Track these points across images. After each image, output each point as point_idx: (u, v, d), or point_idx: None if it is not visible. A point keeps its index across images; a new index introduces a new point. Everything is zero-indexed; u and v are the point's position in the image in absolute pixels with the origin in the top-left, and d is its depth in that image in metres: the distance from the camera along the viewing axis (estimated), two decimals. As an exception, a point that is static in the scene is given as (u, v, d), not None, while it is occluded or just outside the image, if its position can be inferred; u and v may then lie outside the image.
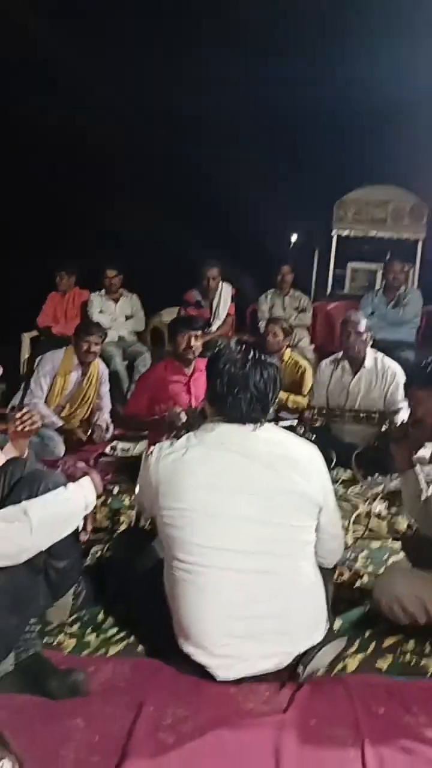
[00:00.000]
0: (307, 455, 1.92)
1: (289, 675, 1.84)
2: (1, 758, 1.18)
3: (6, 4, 5.19)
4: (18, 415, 2.59)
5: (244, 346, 1.94)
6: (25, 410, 2.61)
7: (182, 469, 1.83)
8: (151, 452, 1.95)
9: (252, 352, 1.90)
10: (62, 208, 7.22)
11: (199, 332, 3.97)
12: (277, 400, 1.99)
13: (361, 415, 3.68)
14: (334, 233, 7.02)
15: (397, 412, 3.60)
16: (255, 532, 1.79)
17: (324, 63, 5.53)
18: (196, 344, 3.93)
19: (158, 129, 6.89)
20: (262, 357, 1.90)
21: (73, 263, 6.09)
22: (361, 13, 5.39)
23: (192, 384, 4.00)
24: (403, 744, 1.60)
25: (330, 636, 1.95)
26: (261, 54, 5.69)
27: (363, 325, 3.98)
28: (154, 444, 2.03)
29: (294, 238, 7.84)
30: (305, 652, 1.84)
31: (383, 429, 3.67)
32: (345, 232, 7.01)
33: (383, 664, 2.01)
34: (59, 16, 5.60)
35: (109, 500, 3.19)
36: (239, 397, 1.85)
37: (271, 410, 1.94)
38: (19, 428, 2.58)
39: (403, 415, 3.30)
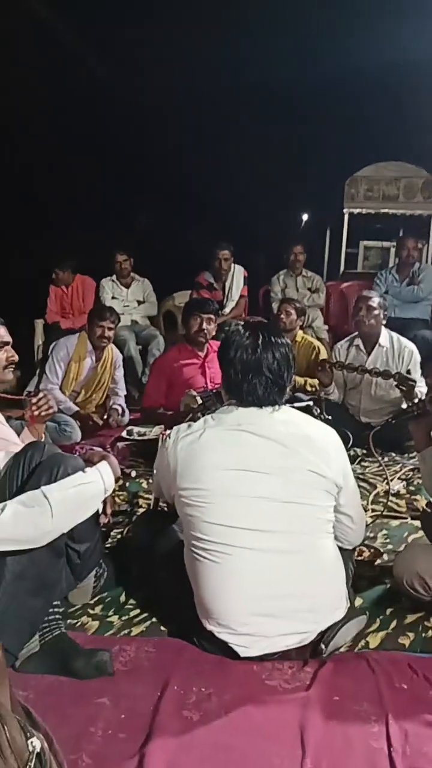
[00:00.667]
0: (325, 436, 1.91)
1: (311, 652, 1.85)
2: (30, 737, 1.20)
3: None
4: (34, 400, 2.60)
5: (252, 330, 1.91)
6: (41, 395, 2.63)
7: (200, 450, 1.83)
8: (169, 435, 1.95)
9: (261, 335, 1.88)
10: (72, 192, 7.20)
11: (212, 316, 3.95)
12: (293, 380, 1.97)
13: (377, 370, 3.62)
14: (346, 211, 6.95)
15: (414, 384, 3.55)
16: (274, 511, 1.79)
17: (334, 39, 5.45)
18: (209, 327, 3.92)
19: (166, 110, 6.84)
20: (272, 338, 1.88)
21: (67, 259, 5.94)
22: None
23: (207, 366, 4.00)
24: (427, 718, 1.62)
25: (351, 613, 1.95)
26: (269, 31, 5.60)
27: (377, 302, 3.95)
28: (170, 427, 2.03)
29: (305, 217, 7.79)
30: (327, 629, 1.84)
31: (400, 408, 3.65)
32: (357, 210, 6.94)
33: (405, 641, 2.01)
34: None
35: (127, 484, 3.22)
36: (254, 382, 1.84)
37: (288, 390, 1.93)
38: (36, 413, 2.60)
39: (421, 392, 3.28)
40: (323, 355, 4.78)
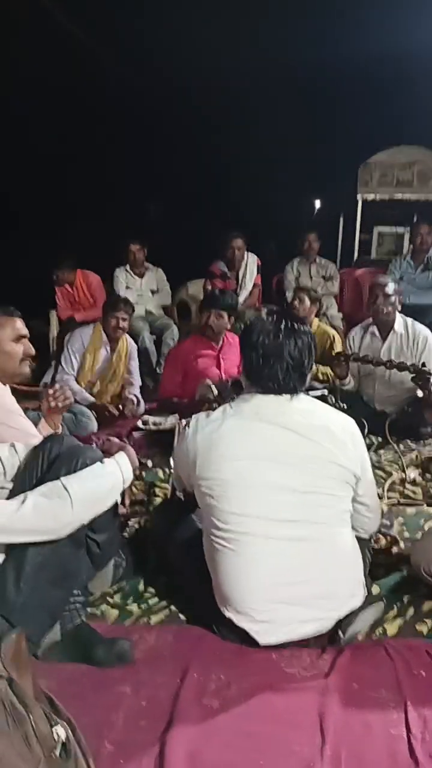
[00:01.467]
0: (343, 425, 1.92)
1: (329, 639, 1.87)
2: (55, 725, 1.22)
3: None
4: (50, 391, 2.62)
5: (276, 316, 1.92)
6: (57, 387, 2.65)
7: (219, 440, 1.84)
8: (187, 425, 1.96)
9: (285, 321, 1.89)
10: (84, 184, 7.19)
11: (222, 311, 3.94)
12: (313, 370, 1.97)
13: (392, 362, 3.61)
14: (360, 197, 6.91)
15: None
16: (293, 500, 1.81)
17: (347, 22, 5.38)
18: (216, 322, 3.91)
19: (176, 97, 6.80)
20: (296, 325, 1.89)
21: (65, 259, 5.86)
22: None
23: (221, 357, 4.00)
24: (446, 705, 1.62)
25: (369, 600, 1.97)
26: (280, 15, 5.53)
27: (391, 287, 3.93)
28: (186, 417, 2.04)
29: (318, 204, 7.74)
30: (345, 617, 1.86)
31: (416, 395, 3.63)
32: (370, 196, 6.90)
33: (423, 628, 2.01)
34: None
35: (144, 474, 3.23)
36: (275, 368, 1.85)
37: (309, 379, 1.93)
38: (53, 405, 2.62)
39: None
40: (338, 343, 4.77)
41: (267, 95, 6.55)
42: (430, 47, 5.38)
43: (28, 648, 1.38)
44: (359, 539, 1.99)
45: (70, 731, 1.28)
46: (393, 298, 3.91)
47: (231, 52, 5.87)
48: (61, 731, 1.23)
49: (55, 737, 1.20)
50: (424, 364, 3.46)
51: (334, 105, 6.70)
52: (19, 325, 2.46)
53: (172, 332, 5.63)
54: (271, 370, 1.85)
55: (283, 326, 1.87)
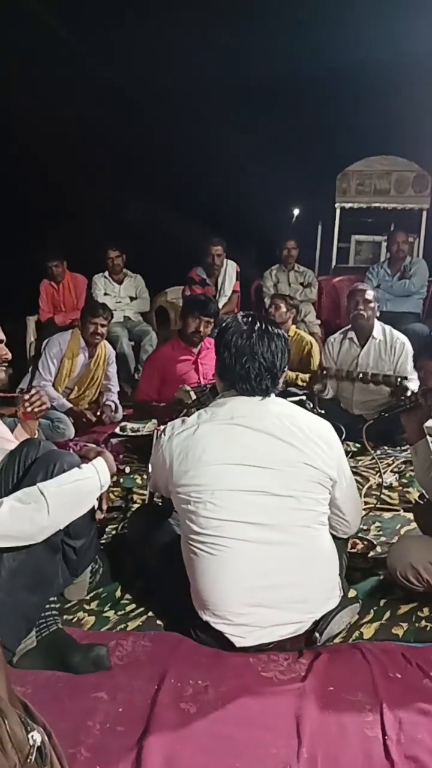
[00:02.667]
0: (319, 429, 1.93)
1: (306, 642, 1.88)
2: (31, 730, 1.21)
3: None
4: (26, 396, 2.60)
5: (251, 318, 1.93)
6: (33, 392, 2.63)
7: (195, 445, 1.85)
8: (163, 431, 1.96)
9: (259, 323, 1.90)
10: (61, 189, 7.17)
11: (211, 319, 3.96)
12: (285, 372, 1.99)
13: (369, 377, 3.66)
14: (338, 206, 6.97)
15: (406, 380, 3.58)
16: (269, 503, 1.81)
17: (325, 34, 5.44)
18: (206, 330, 3.94)
19: (156, 105, 6.81)
20: (269, 327, 1.90)
21: (60, 251, 5.93)
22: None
23: (200, 362, 4.01)
24: (421, 707, 1.64)
25: (344, 602, 1.98)
26: (260, 25, 5.58)
27: (371, 294, 3.98)
28: (164, 423, 2.04)
29: (297, 212, 7.79)
30: (321, 619, 1.87)
31: (393, 400, 3.67)
32: (348, 205, 6.96)
33: (399, 631, 2.03)
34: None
35: (122, 480, 3.22)
36: (247, 367, 1.86)
37: (281, 381, 1.94)
38: (29, 410, 2.59)
39: (413, 386, 3.30)
40: (315, 350, 4.80)
41: (247, 104, 6.59)
42: (409, 57, 5.45)
43: (3, 654, 1.37)
44: (336, 540, 2.00)
45: (45, 737, 1.27)
46: (373, 305, 3.96)
47: (211, 62, 5.92)
48: (36, 737, 1.21)
49: (31, 743, 1.18)
50: (405, 378, 3.51)
51: (313, 114, 6.76)
52: (-5, 330, 2.44)
53: (150, 338, 5.63)
54: (243, 369, 1.86)
55: (257, 327, 1.89)
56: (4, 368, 2.47)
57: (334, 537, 1.99)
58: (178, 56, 5.94)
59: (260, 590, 1.80)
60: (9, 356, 2.48)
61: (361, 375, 3.75)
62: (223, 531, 1.80)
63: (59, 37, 5.82)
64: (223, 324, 1.96)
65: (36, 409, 2.57)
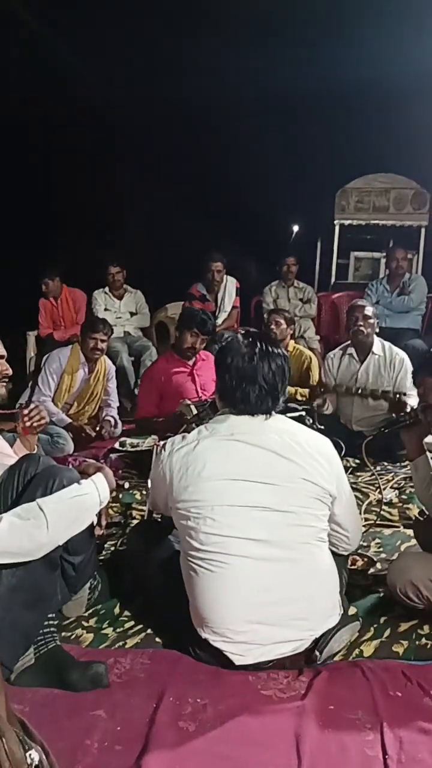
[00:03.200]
0: (318, 445, 1.93)
1: (305, 660, 1.86)
2: (29, 749, 1.20)
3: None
4: (26, 411, 2.60)
5: (251, 339, 1.93)
6: (32, 406, 2.63)
7: (194, 461, 1.84)
8: (163, 446, 1.96)
9: (259, 344, 1.90)
10: (62, 203, 7.21)
11: (206, 337, 4.00)
12: (286, 392, 1.99)
13: (369, 391, 3.66)
14: (337, 223, 7.02)
15: (404, 396, 3.59)
16: (270, 520, 1.81)
17: (325, 51, 5.49)
18: (200, 347, 3.98)
19: (157, 120, 6.88)
20: (270, 348, 1.90)
21: (54, 268, 5.94)
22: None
23: (196, 373, 4.04)
24: (422, 725, 1.62)
25: (345, 620, 1.97)
26: (261, 41, 5.65)
27: (370, 310, 3.99)
28: (164, 438, 2.04)
29: (296, 228, 7.84)
30: (321, 636, 1.86)
31: (392, 416, 3.67)
32: (347, 221, 7.01)
33: (399, 648, 2.02)
34: (57, 7, 5.58)
35: (121, 495, 3.21)
36: (248, 391, 1.86)
37: (281, 401, 1.94)
38: (28, 424, 2.60)
39: (413, 402, 3.30)
40: (314, 365, 4.81)
41: (247, 121, 6.65)
42: (409, 75, 5.51)
43: (1, 671, 1.36)
44: (336, 557, 1.99)
45: (43, 755, 1.26)
46: (373, 321, 3.98)
47: (213, 79, 5.97)
48: (34, 755, 1.20)
49: (29, 761, 1.17)
50: (404, 394, 3.51)
51: (312, 131, 6.82)
52: (-4, 346, 2.46)
53: (150, 354, 5.64)
54: (244, 392, 1.87)
55: (257, 349, 1.88)
56: (4, 383, 2.49)
57: (333, 554, 1.98)
58: (177, 73, 6.00)
59: (260, 607, 1.79)
60: (10, 372, 2.49)
61: (360, 390, 3.76)
62: (223, 547, 1.79)
63: (57, 48, 5.88)
64: (223, 344, 1.97)
65: (35, 424, 2.57)
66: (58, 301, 5.91)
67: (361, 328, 3.96)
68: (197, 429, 1.95)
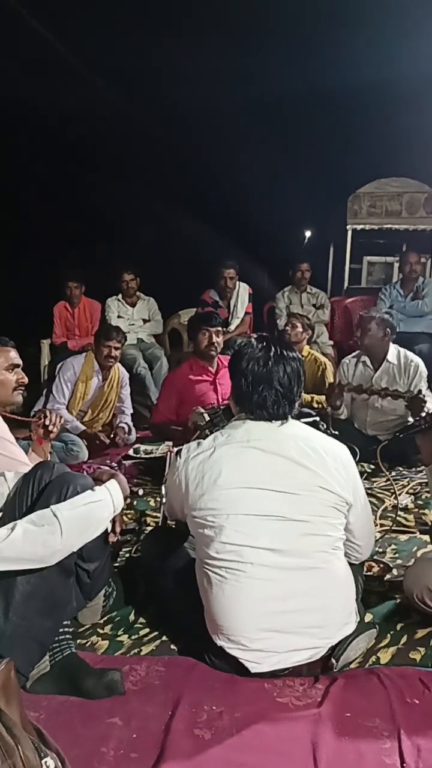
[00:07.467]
0: (335, 452, 1.92)
1: (322, 667, 1.85)
2: (44, 756, 1.20)
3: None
4: (44, 415, 2.63)
5: (265, 342, 1.93)
6: (47, 411, 2.66)
7: (210, 469, 1.84)
8: (178, 453, 1.96)
9: (274, 348, 1.90)
10: (74, 212, 7.26)
11: (219, 328, 3.98)
12: (301, 396, 1.98)
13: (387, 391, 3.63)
14: (349, 227, 7.00)
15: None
16: (285, 529, 1.80)
17: (336, 55, 5.49)
18: (218, 340, 3.95)
19: (167, 127, 6.91)
20: (285, 352, 1.90)
21: (79, 272, 6.00)
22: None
23: (218, 382, 4.01)
24: (440, 734, 1.60)
25: (361, 627, 1.95)
26: (270, 45, 5.65)
27: (374, 324, 3.96)
28: (178, 445, 2.04)
29: (309, 234, 7.83)
30: (337, 644, 1.84)
31: (407, 420, 3.65)
32: (360, 226, 6.99)
33: (416, 655, 2.00)
34: (58, 9, 5.60)
35: (135, 502, 3.21)
36: (264, 395, 1.86)
37: (297, 405, 1.94)
38: (41, 432, 2.62)
39: (429, 407, 3.28)
40: (329, 371, 4.80)
41: (258, 127, 6.66)
42: (418, 78, 5.49)
43: (17, 678, 1.36)
44: (351, 565, 1.98)
45: (59, 763, 1.26)
46: (381, 334, 3.93)
47: (221, 83, 5.98)
48: (50, 763, 1.21)
49: (44, 769, 1.18)
50: (419, 391, 3.48)
51: (323, 136, 6.82)
52: (13, 355, 2.50)
53: (161, 365, 5.65)
54: (260, 396, 1.86)
55: (272, 353, 1.88)
56: (20, 392, 2.52)
57: (348, 562, 1.97)
58: (188, 78, 6.01)
59: (276, 615, 1.78)
60: (26, 380, 2.53)
61: (378, 390, 3.71)
62: (239, 556, 1.78)
63: (68, 58, 5.91)
64: (238, 349, 1.96)
65: (50, 428, 2.61)
66: (75, 309, 5.94)
67: (364, 341, 3.94)
68: (213, 435, 1.95)
